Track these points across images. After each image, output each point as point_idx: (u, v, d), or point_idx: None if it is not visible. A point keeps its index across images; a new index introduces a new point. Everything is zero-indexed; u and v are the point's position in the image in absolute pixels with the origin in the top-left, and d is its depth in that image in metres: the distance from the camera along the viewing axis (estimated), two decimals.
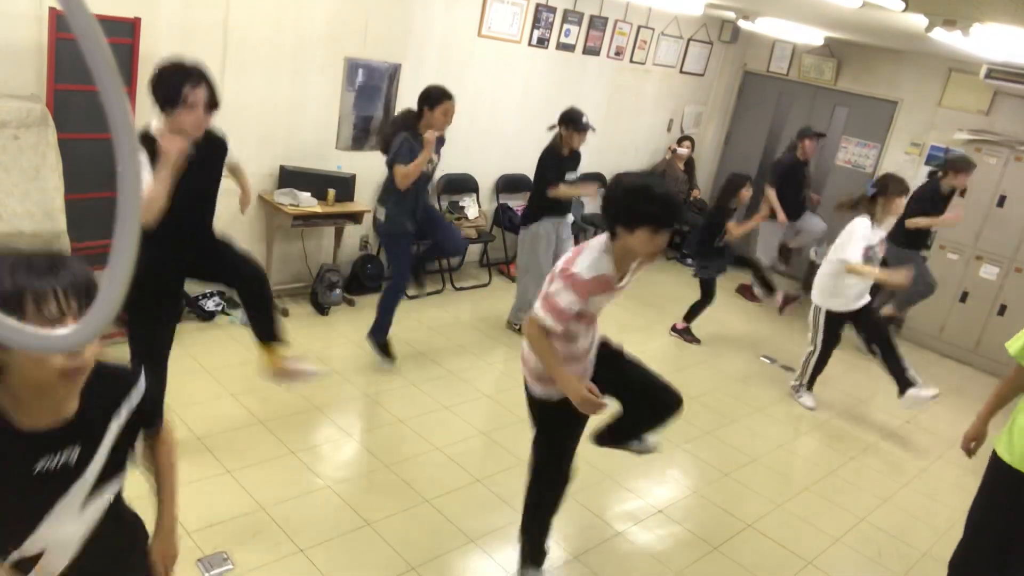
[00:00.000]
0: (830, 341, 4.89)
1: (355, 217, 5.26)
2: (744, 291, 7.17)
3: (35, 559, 1.37)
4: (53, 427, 1.30)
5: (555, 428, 2.72)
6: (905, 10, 3.53)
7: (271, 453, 3.50)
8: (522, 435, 4.10)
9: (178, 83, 2.67)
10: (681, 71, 7.74)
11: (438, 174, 5.25)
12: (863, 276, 4.55)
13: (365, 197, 5.52)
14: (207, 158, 2.93)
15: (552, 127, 5.04)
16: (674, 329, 5.92)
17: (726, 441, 4.44)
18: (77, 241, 3.74)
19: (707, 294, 5.75)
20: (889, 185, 4.48)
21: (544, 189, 4.97)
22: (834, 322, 4.79)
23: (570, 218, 5.27)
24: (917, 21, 3.91)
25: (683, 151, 7.56)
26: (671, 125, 7.96)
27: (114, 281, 0.62)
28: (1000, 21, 3.52)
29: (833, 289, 4.68)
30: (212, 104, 2.76)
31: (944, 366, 6.36)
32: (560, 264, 2.48)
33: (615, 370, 2.72)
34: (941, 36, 3.90)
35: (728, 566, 3.33)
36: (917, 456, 4.71)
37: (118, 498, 1.50)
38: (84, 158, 3.79)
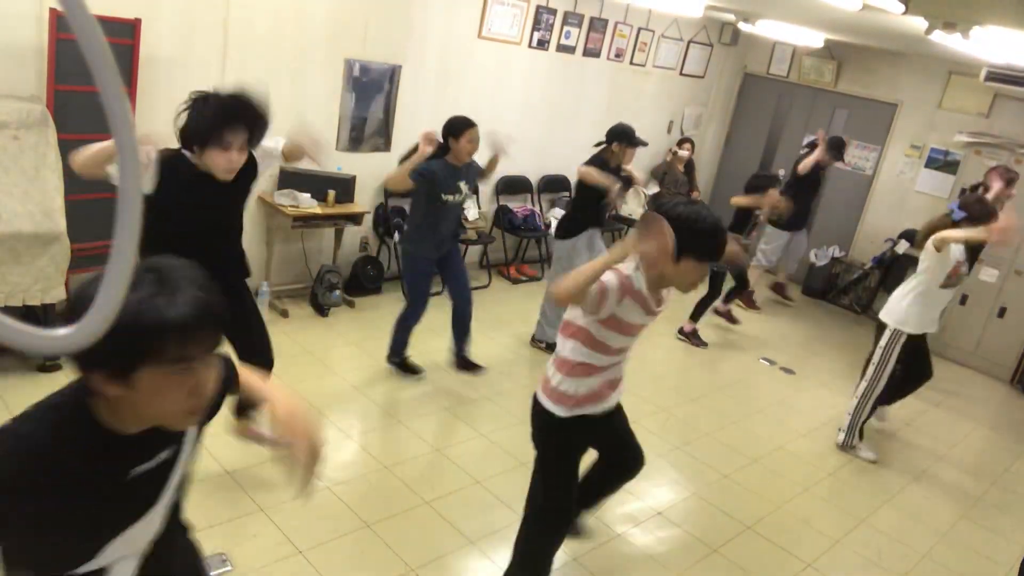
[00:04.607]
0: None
1: (355, 218, 5.26)
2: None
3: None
4: (147, 432, 1.21)
5: (556, 450, 2.66)
6: (905, 12, 3.53)
7: (270, 454, 3.50)
8: (521, 437, 4.11)
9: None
10: (681, 73, 7.74)
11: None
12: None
13: (365, 198, 5.52)
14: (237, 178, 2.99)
15: (600, 144, 4.88)
16: (681, 332, 5.87)
17: (726, 443, 4.43)
18: (77, 241, 3.73)
19: (716, 289, 5.80)
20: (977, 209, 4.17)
21: (586, 203, 4.84)
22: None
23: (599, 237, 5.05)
24: (917, 23, 3.91)
25: (683, 153, 7.56)
26: (671, 127, 7.96)
27: (113, 282, 0.62)
28: (1000, 24, 3.52)
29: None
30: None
31: (944, 368, 6.35)
32: None
33: (611, 422, 2.75)
34: (941, 38, 3.90)
35: (728, 568, 3.32)
36: (916, 458, 4.70)
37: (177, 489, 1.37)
38: None
